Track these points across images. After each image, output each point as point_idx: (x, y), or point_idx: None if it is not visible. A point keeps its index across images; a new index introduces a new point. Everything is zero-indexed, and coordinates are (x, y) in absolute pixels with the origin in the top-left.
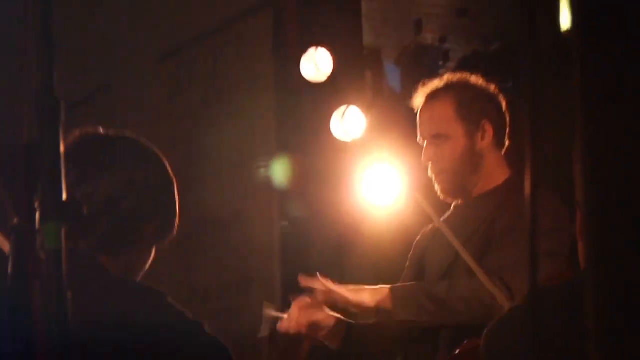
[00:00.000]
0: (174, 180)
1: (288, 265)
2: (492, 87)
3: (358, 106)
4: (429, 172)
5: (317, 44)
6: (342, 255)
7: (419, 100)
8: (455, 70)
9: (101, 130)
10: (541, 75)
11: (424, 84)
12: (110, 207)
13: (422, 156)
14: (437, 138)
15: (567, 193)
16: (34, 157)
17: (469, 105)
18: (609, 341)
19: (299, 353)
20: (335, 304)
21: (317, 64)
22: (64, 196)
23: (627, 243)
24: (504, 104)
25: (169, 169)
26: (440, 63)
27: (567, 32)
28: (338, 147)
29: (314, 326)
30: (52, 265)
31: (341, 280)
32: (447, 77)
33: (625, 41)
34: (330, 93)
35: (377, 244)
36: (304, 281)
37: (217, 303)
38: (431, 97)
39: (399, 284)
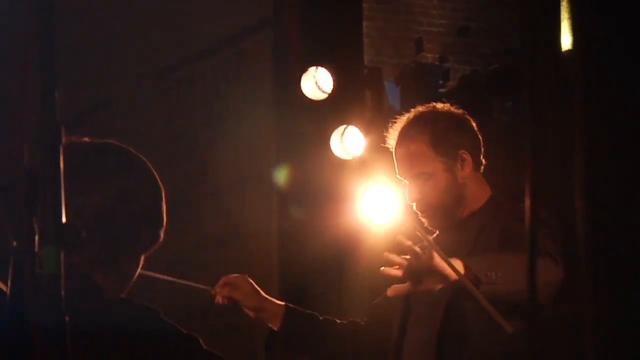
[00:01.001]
0: (162, 188)
1: (287, 282)
2: (461, 112)
3: (358, 125)
4: (415, 208)
5: (318, 63)
6: (340, 272)
7: (392, 139)
8: (456, 88)
9: (86, 139)
10: (542, 96)
11: (393, 123)
12: (102, 220)
13: (407, 195)
14: (418, 177)
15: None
16: (34, 180)
17: (443, 139)
18: None
19: None
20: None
21: (317, 82)
22: (64, 219)
23: (626, 275)
24: (474, 126)
25: (157, 176)
26: (441, 82)
27: (568, 52)
28: (337, 164)
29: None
30: (50, 288)
31: (340, 297)
32: (414, 112)
33: (626, 61)
34: (330, 111)
35: (375, 261)
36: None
37: (215, 320)
38: (404, 135)
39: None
